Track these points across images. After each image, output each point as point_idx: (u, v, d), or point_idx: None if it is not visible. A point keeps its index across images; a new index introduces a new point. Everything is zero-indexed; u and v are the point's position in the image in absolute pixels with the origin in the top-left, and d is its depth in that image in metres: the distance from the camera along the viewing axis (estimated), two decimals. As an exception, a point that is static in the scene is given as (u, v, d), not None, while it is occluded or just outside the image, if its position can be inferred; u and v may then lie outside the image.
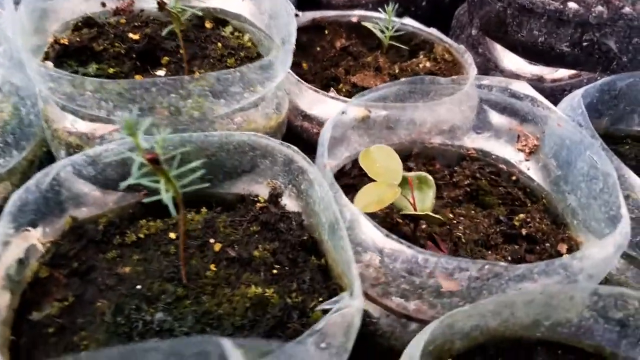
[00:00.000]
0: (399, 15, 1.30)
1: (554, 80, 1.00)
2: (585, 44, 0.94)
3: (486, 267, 0.59)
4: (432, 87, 0.87)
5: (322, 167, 0.74)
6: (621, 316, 0.63)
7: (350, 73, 1.13)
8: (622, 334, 0.64)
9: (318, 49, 1.22)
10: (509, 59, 1.06)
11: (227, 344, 0.45)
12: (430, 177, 0.77)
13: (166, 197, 0.56)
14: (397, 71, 1.12)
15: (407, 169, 0.98)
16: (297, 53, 1.22)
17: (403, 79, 0.85)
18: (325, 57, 1.20)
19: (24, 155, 0.92)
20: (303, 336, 0.51)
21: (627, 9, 0.85)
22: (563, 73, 0.99)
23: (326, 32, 1.25)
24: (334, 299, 0.55)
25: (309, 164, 0.72)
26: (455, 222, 0.89)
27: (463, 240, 0.85)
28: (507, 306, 0.62)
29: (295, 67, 1.18)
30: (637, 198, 0.74)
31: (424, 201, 0.78)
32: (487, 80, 0.89)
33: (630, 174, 0.74)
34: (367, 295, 0.70)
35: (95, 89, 0.68)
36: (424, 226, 0.86)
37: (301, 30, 1.24)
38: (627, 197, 0.76)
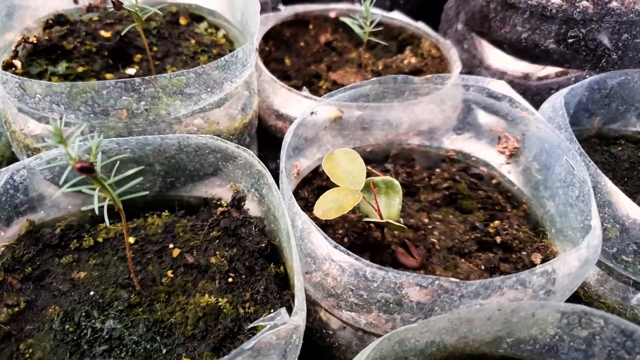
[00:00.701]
0: (389, 8, 1.26)
1: (540, 78, 0.95)
2: (571, 40, 0.88)
3: (436, 282, 0.55)
4: (405, 86, 0.83)
5: (282, 173, 0.71)
6: (586, 335, 0.60)
7: (332, 69, 1.09)
8: (589, 352, 0.61)
9: (302, 44, 1.18)
10: (495, 56, 1.01)
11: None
12: (396, 182, 0.74)
13: (98, 206, 0.54)
14: (380, 68, 1.08)
15: (385, 170, 0.94)
16: (280, 49, 1.19)
17: (373, 79, 0.81)
18: (309, 52, 1.16)
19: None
20: (230, 355, 0.48)
21: (614, 4, 0.79)
22: (550, 70, 0.93)
23: (311, 26, 1.21)
24: (271, 315, 0.53)
25: (264, 168, 0.69)
26: (430, 227, 0.86)
27: (437, 246, 0.82)
28: (464, 322, 0.59)
29: (279, 63, 1.15)
30: (615, 207, 0.70)
31: (390, 207, 0.74)
32: (463, 79, 0.84)
33: (606, 182, 0.69)
34: (322, 307, 0.67)
35: (45, 92, 0.67)
36: (396, 231, 0.83)
37: (284, 25, 1.20)
38: (604, 206, 0.71)
